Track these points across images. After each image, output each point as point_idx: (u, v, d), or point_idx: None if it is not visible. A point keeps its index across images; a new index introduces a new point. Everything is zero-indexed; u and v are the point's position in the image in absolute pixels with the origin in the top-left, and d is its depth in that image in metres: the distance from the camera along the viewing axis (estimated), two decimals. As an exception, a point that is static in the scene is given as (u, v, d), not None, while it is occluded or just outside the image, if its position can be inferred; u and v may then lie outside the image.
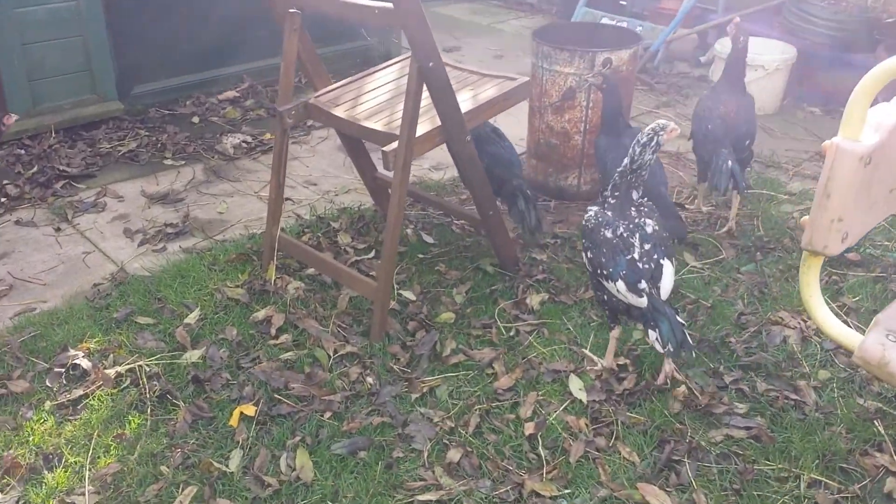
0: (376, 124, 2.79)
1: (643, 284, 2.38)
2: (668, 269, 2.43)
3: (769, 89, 4.86)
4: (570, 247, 3.35)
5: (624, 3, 6.56)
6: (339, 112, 2.89)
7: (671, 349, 2.34)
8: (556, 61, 3.54)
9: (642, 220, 2.47)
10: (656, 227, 2.47)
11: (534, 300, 2.97)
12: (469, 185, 2.90)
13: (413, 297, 2.97)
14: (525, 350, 2.73)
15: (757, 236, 3.42)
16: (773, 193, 3.81)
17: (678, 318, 2.39)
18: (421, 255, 3.27)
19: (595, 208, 2.55)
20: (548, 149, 3.74)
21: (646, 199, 2.56)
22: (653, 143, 2.44)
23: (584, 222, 2.56)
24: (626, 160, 2.48)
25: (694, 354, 2.41)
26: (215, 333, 2.78)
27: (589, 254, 2.51)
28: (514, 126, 4.00)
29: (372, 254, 3.26)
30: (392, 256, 2.67)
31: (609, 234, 2.45)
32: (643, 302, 2.38)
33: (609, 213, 2.49)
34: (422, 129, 2.66)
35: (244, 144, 4.28)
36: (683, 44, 5.90)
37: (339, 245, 3.33)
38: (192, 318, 2.84)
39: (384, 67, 3.20)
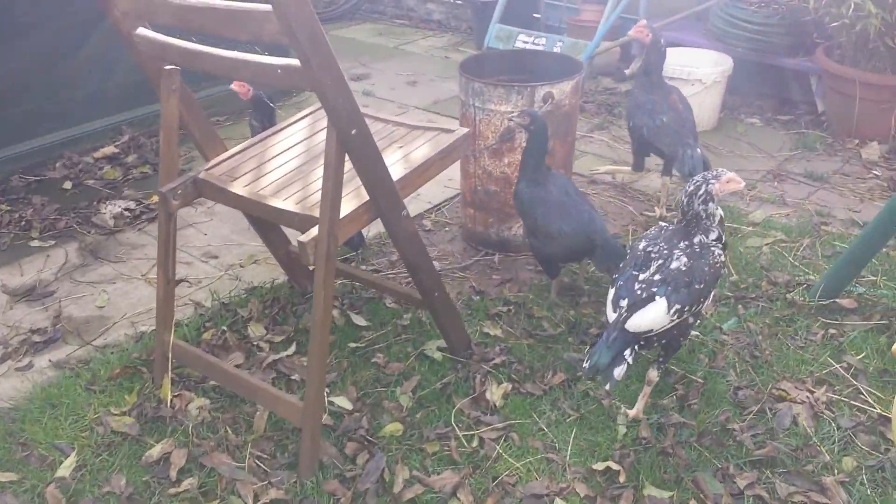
0: (287, 202, 2.23)
1: (623, 303, 2.21)
2: (658, 307, 2.17)
3: (707, 104, 4.52)
4: (525, 314, 2.87)
5: (538, 16, 6.18)
6: (239, 188, 2.31)
7: (586, 367, 2.18)
8: (490, 99, 3.06)
9: (677, 252, 2.25)
10: (683, 268, 2.21)
11: (495, 394, 2.46)
12: (409, 266, 2.38)
13: (349, 406, 2.42)
14: (494, 467, 2.22)
15: (731, 282, 3.02)
16: (735, 226, 3.44)
17: (627, 354, 2.16)
18: (353, 344, 2.72)
19: (664, 225, 2.41)
20: (486, 197, 3.25)
21: (719, 245, 2.30)
22: (700, 193, 2.22)
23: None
24: (682, 208, 2.28)
25: (608, 387, 2.16)
26: (98, 486, 2.16)
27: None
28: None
29: (293, 348, 2.68)
30: (321, 373, 2.11)
31: (640, 246, 2.33)
32: (612, 318, 2.22)
33: (662, 233, 2.35)
34: (346, 206, 2.12)
35: (126, 213, 3.62)
36: (605, 57, 5.53)
37: (250, 340, 2.74)
38: (66, 467, 2.21)
39: (290, 125, 2.64)
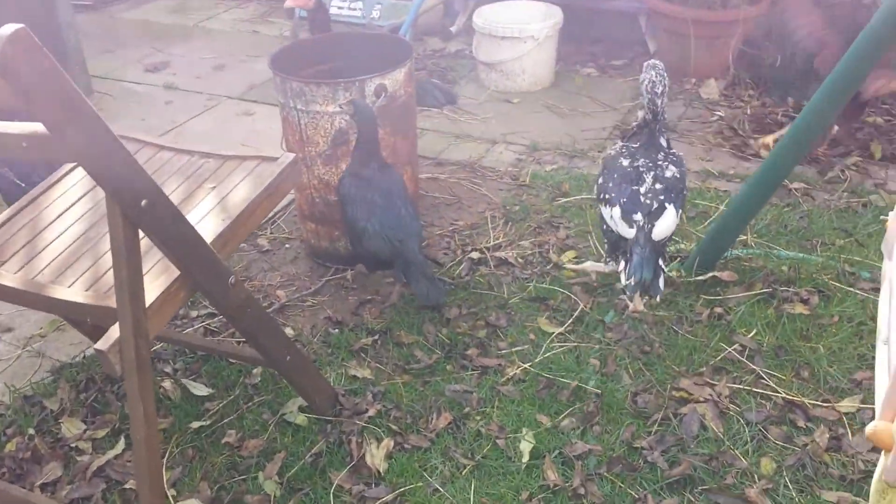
0: (74, 290, 1.73)
1: (638, 216, 2.31)
2: (671, 213, 2.34)
3: (543, 61, 4.27)
4: (394, 343, 2.52)
5: (347, -28, 5.68)
6: (7, 278, 1.78)
7: (631, 284, 2.26)
8: (314, 99, 2.62)
9: (666, 164, 2.41)
10: (677, 175, 2.41)
11: (377, 456, 2.11)
12: (249, 338, 1.95)
13: (203, 510, 2.00)
14: (390, 553, 1.89)
15: (603, 265, 2.80)
16: (589, 196, 3.22)
17: (661, 263, 2.31)
18: (196, 423, 2.26)
19: (620, 143, 2.53)
20: (328, 208, 2.83)
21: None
22: (661, 91, 2.36)
23: (606, 153, 2.55)
24: (645, 114, 2.40)
25: (659, 299, 2.39)
26: None
27: (601, 179, 2.46)
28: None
29: (121, 444, 2.20)
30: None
31: (626, 163, 2.41)
32: (631, 233, 2.31)
33: (634, 147, 2.45)
34: (153, 289, 1.67)
35: None
36: (429, 16, 5.15)
37: (66, 441, 2.22)
38: None
39: (65, 174, 2.09)
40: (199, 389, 2.37)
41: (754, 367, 2.30)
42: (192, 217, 1.86)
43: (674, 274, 2.66)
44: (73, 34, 4.26)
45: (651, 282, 2.25)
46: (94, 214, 1.95)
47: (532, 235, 3.01)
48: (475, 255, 2.91)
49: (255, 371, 2.42)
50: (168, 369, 2.45)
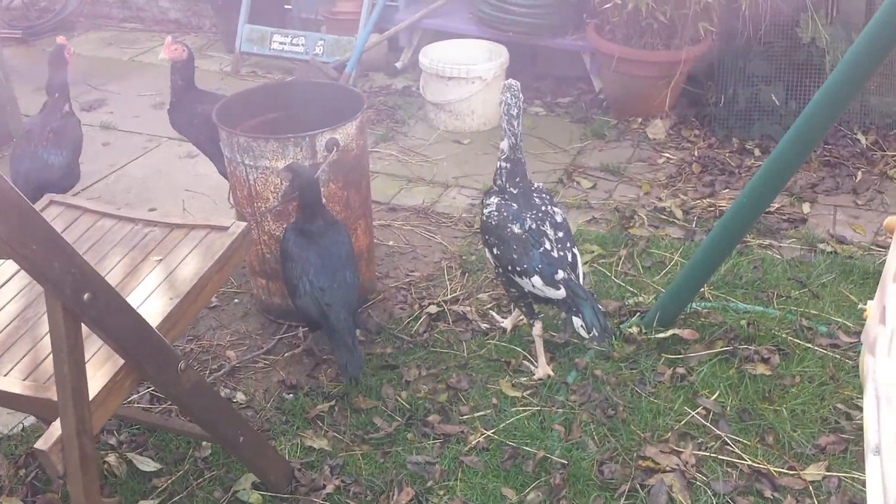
0: (11, 379, 1.60)
1: (560, 275, 2.30)
2: (579, 257, 2.42)
3: (492, 101, 4.22)
4: (351, 409, 2.42)
5: (289, 7, 5.58)
6: (-69, 368, 1.63)
7: (596, 334, 2.24)
8: (263, 155, 2.52)
9: (549, 207, 2.42)
10: (563, 215, 2.45)
11: (336, 539, 2.01)
12: (202, 424, 1.83)
13: None
14: None
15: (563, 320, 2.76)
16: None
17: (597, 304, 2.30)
18: (144, 502, 2.12)
19: (495, 200, 2.41)
20: (278, 264, 2.72)
21: None
22: (517, 112, 2.33)
23: (485, 218, 2.42)
24: (509, 141, 2.33)
25: (614, 339, 2.49)
26: None
27: (496, 250, 2.40)
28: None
29: (63, 528, 2.05)
30: None
31: (517, 230, 2.34)
32: (560, 294, 2.29)
33: (514, 206, 2.38)
34: (96, 380, 1.54)
35: None
36: (374, 52, 5.08)
37: (0, 529, 2.06)
38: None
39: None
40: (147, 464, 2.23)
41: (719, 432, 2.27)
42: (138, 294, 1.75)
43: (634, 330, 2.63)
44: (1, 72, 4.05)
45: (605, 327, 2.26)
46: (31, 292, 1.81)
47: (489, 287, 2.95)
48: (433, 308, 2.84)
49: (204, 444, 2.29)
50: (113, 441, 2.30)
